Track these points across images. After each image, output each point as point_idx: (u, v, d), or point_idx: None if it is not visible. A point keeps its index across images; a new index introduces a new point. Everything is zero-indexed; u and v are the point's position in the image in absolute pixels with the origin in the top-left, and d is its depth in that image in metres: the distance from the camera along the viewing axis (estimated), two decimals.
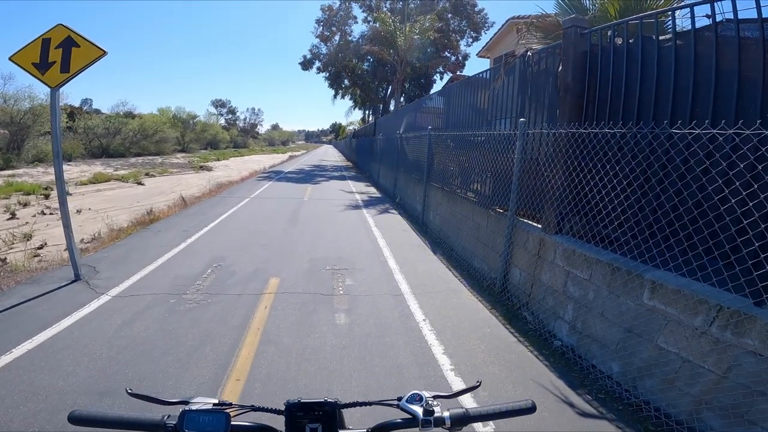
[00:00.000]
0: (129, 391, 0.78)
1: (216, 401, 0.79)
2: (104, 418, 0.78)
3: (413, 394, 0.84)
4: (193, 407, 0.77)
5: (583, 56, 3.68)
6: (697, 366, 2.38)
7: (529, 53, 4.78)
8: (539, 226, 4.12)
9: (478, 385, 0.92)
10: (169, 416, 0.76)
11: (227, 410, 0.77)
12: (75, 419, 0.78)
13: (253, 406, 0.83)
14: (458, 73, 27.05)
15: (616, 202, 3.01)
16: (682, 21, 3.07)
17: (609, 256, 3.13)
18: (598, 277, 3.21)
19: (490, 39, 16.99)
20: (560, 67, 3.92)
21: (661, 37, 3.15)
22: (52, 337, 3.36)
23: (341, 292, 4.68)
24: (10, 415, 2.37)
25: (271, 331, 3.63)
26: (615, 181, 3.02)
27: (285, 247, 6.51)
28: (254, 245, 6.54)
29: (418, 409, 0.80)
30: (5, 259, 5.92)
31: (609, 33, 3.62)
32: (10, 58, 4.25)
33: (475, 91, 6.78)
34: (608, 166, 3.09)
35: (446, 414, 0.81)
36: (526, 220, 4.42)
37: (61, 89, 4.46)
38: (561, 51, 3.91)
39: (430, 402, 0.82)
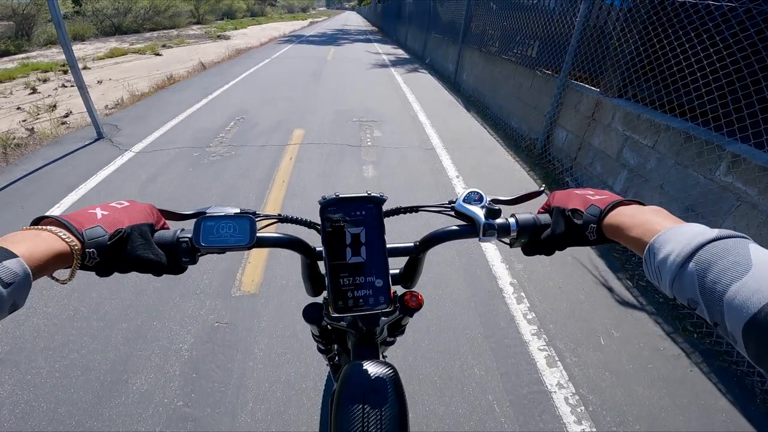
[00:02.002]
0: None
1: (238, 210, 0.59)
2: None
3: (471, 192, 0.65)
4: (213, 215, 0.57)
5: None
6: None
7: None
8: (596, 89, 3.57)
9: (542, 191, 0.67)
10: (182, 230, 0.57)
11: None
12: None
13: (281, 215, 0.67)
14: None
15: (708, 70, 2.41)
16: None
17: (683, 123, 2.64)
18: (664, 144, 2.75)
19: None
20: None
21: None
22: (79, 200, 3.28)
23: (369, 143, 4.41)
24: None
25: (297, 183, 3.48)
26: (711, 50, 2.38)
27: (309, 101, 6.17)
28: (277, 99, 6.22)
29: (479, 211, 0.62)
30: (33, 128, 5.91)
31: None
32: None
33: None
34: (705, 36, 2.42)
35: (511, 220, 0.62)
36: (580, 83, 3.83)
37: None
38: None
39: (491, 203, 0.64)
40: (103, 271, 0.48)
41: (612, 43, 3.36)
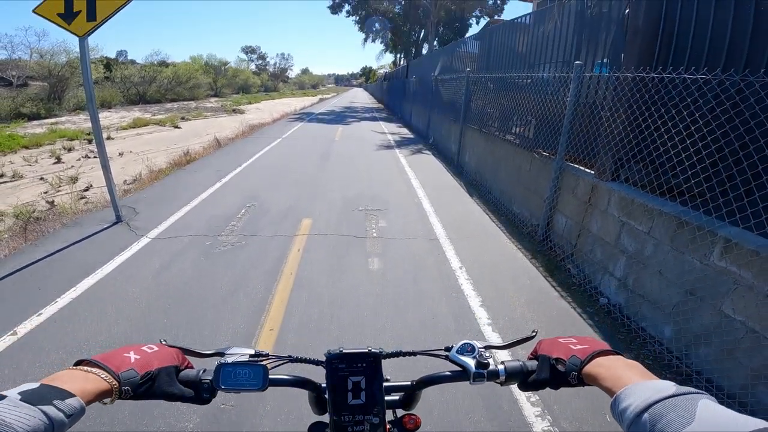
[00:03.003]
0: (164, 342, 0.71)
1: (252, 351, 0.73)
2: None
3: (464, 344, 0.75)
4: (229, 359, 0.70)
5: None
6: (763, 337, 2.14)
7: None
8: (591, 171, 3.78)
9: (534, 335, 0.79)
10: (204, 371, 0.69)
11: (264, 362, 0.71)
12: None
13: (291, 356, 0.77)
14: (496, 17, 24.83)
15: (691, 150, 2.63)
16: None
17: (676, 208, 2.78)
18: (659, 230, 2.89)
19: None
20: (627, 10, 3.51)
21: None
22: (95, 284, 3.40)
23: (374, 234, 4.58)
24: (55, 371, 2.40)
25: (304, 276, 3.59)
26: (693, 128, 2.63)
27: (317, 187, 6.44)
28: (286, 184, 6.51)
29: (470, 361, 0.72)
30: (53, 202, 6.18)
31: None
32: (33, 11, 4.11)
33: (516, 34, 6.34)
34: (685, 113, 2.68)
35: (500, 367, 0.72)
36: (576, 165, 4.06)
37: (93, 41, 4.37)
38: None
39: (482, 353, 0.73)
40: (136, 399, 0.62)
41: (602, 123, 3.55)
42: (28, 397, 0.47)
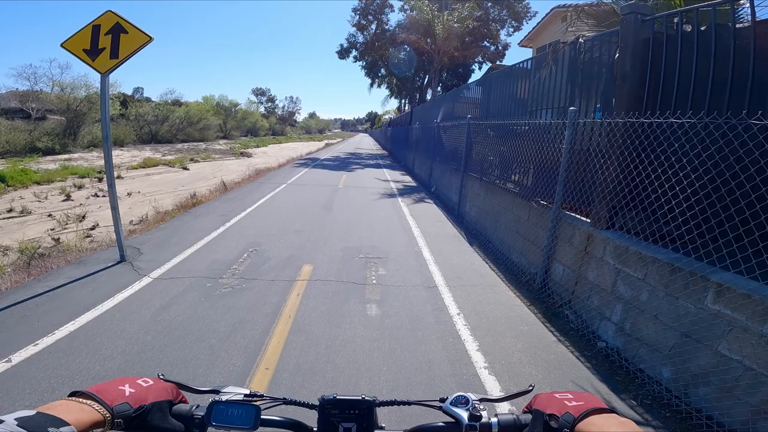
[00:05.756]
0: (161, 376, 0.75)
1: (247, 392, 0.75)
2: None
3: (458, 396, 0.76)
4: (223, 397, 0.72)
5: (644, 44, 3.47)
6: (761, 374, 2.20)
7: (580, 40, 4.51)
8: (587, 220, 3.89)
9: (531, 390, 0.81)
10: (197, 406, 0.72)
11: (258, 402, 0.73)
12: None
13: (285, 399, 0.78)
14: (498, 63, 26.13)
15: (681, 197, 2.76)
16: (760, 10, 2.81)
17: (669, 255, 2.89)
18: (654, 277, 2.98)
19: (533, 28, 16.38)
20: (617, 55, 3.72)
21: (737, 25, 2.86)
22: (94, 320, 3.45)
23: (374, 281, 4.62)
24: (45, 399, 2.43)
25: (302, 319, 3.61)
26: (681, 175, 2.76)
27: (319, 234, 6.54)
28: (289, 231, 6.60)
29: (463, 413, 0.73)
30: (59, 239, 6.30)
31: (676, 20, 3.37)
32: (61, 45, 4.40)
33: (515, 80, 6.58)
34: (673, 159, 2.83)
35: (494, 420, 0.72)
36: (572, 214, 4.18)
37: (113, 77, 4.60)
38: (618, 38, 3.70)
39: (476, 406, 0.74)
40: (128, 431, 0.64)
41: (596, 170, 3.64)
42: (24, 424, 0.49)
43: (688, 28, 3.23)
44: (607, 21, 4.95)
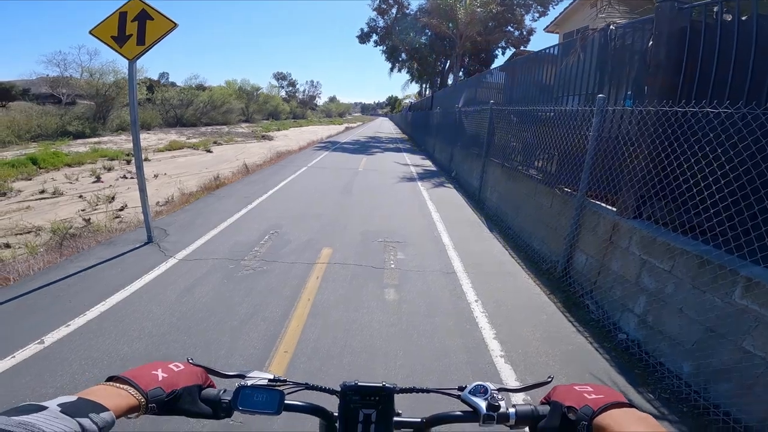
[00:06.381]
0: (190, 361, 0.77)
1: (271, 377, 0.77)
2: None
3: (477, 385, 0.76)
4: (249, 382, 0.75)
5: (680, 32, 3.32)
6: None
7: (611, 27, 4.34)
8: (613, 209, 3.78)
9: (550, 381, 0.79)
10: (224, 391, 0.74)
11: (281, 387, 0.75)
12: None
13: (308, 384, 0.80)
14: (522, 48, 25.26)
15: (714, 188, 2.64)
16: None
17: (698, 247, 2.79)
18: (681, 269, 2.89)
19: (560, 14, 15.69)
20: (650, 43, 3.59)
21: None
22: (123, 301, 3.57)
23: (392, 266, 4.64)
24: (76, 381, 2.52)
25: (321, 303, 3.67)
26: (715, 165, 2.65)
27: (338, 218, 6.59)
28: (309, 214, 6.68)
29: (482, 403, 0.73)
30: (89, 219, 6.54)
31: (715, 9, 3.21)
32: (90, 32, 4.48)
33: (541, 66, 6.42)
34: (707, 149, 2.72)
35: (511, 410, 0.72)
36: (597, 202, 4.06)
37: (140, 63, 4.71)
38: (652, 26, 3.57)
39: (495, 395, 0.74)
40: (160, 414, 0.67)
41: (624, 158, 3.56)
42: (67, 410, 0.51)
43: (728, 17, 3.08)
44: (640, 8, 4.77)
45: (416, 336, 3.21)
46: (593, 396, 0.66)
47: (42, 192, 9.10)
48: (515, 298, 4.02)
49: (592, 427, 0.62)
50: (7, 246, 5.40)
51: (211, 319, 3.31)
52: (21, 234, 6.13)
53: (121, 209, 7.65)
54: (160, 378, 0.68)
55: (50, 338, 2.94)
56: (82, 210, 7.69)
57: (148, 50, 4.52)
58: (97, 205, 7.92)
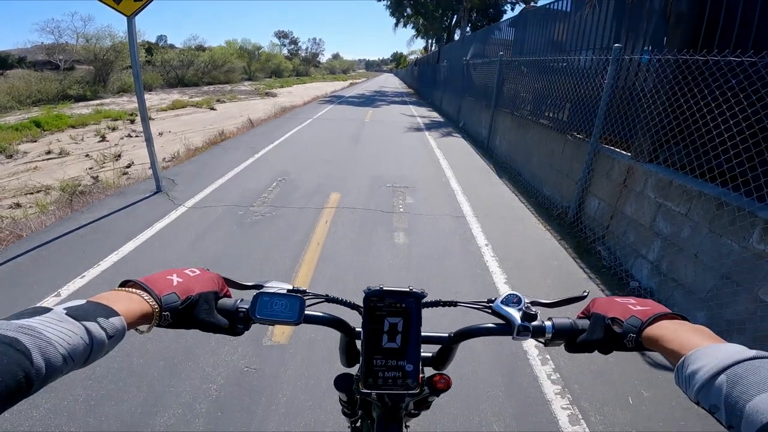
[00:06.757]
0: (207, 269, 0.72)
1: (290, 287, 0.70)
2: None
3: (510, 294, 0.68)
4: (268, 291, 0.69)
5: None
6: None
7: None
8: (628, 153, 3.67)
9: (586, 296, 0.71)
10: (242, 300, 0.69)
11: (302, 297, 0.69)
12: None
13: (328, 296, 0.74)
14: (532, 4, 23.78)
15: (735, 130, 2.51)
16: None
17: (715, 189, 2.68)
18: (698, 212, 2.79)
19: None
20: None
21: None
22: (135, 249, 3.56)
23: (401, 210, 4.61)
24: None
25: (330, 247, 3.66)
26: (736, 109, 2.51)
27: (346, 165, 6.52)
28: (316, 162, 6.62)
29: (515, 313, 0.65)
30: (97, 177, 6.54)
31: None
32: None
33: (552, 20, 6.16)
34: (729, 94, 2.56)
35: (548, 323, 0.65)
36: (611, 147, 3.94)
37: (138, 26, 4.48)
38: None
39: (529, 306, 0.67)
40: (172, 327, 0.62)
41: (641, 105, 3.44)
42: (73, 312, 0.47)
43: None
44: None
45: (427, 279, 3.20)
46: (639, 308, 0.60)
47: (48, 153, 9.08)
48: (526, 243, 3.99)
49: (642, 339, 0.57)
50: (18, 205, 5.44)
51: (222, 265, 3.31)
52: (31, 194, 6.16)
53: (128, 166, 7.62)
54: (175, 283, 0.62)
55: (66, 290, 2.90)
56: (90, 168, 7.68)
57: (145, 6, 4.34)
58: (104, 163, 7.90)
